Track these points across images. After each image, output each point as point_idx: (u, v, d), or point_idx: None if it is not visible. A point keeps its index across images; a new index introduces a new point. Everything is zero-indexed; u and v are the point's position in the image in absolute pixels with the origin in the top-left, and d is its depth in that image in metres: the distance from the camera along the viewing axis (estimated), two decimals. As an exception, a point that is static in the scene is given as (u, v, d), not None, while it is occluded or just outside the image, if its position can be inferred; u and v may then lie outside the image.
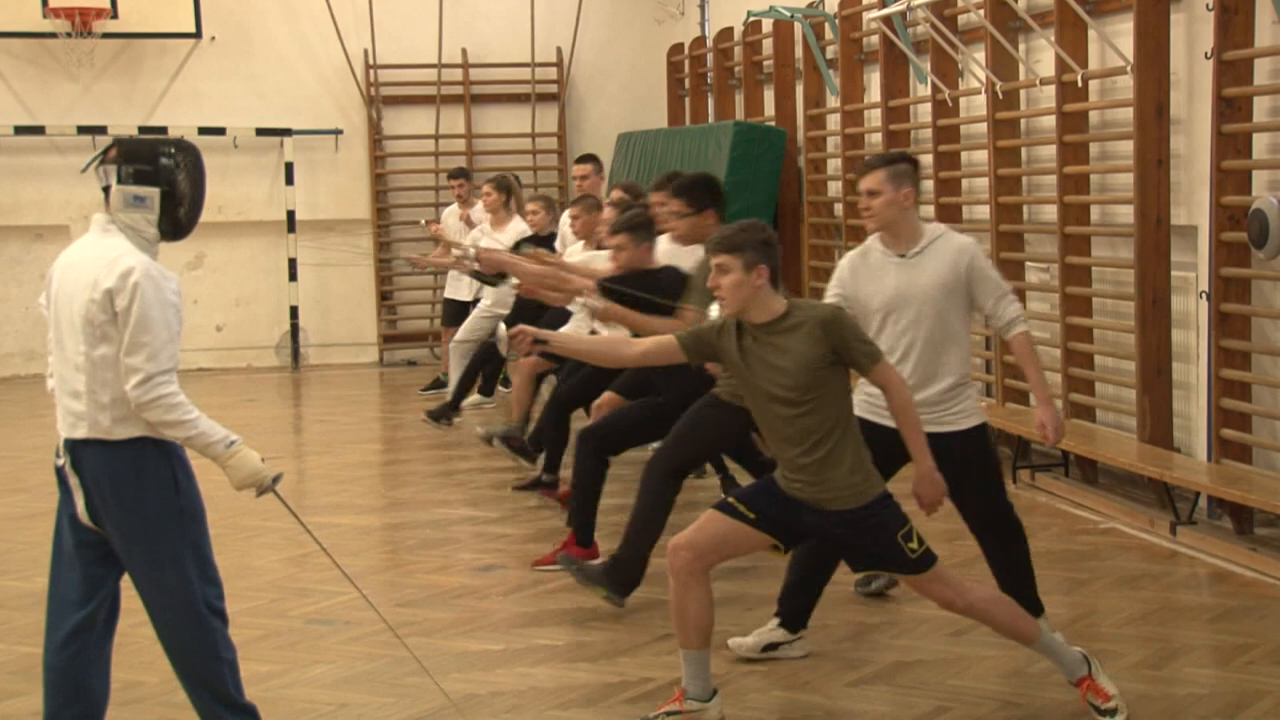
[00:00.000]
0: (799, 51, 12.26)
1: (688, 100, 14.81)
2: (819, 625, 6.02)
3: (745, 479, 7.01)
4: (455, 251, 10.07)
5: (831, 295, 5.66)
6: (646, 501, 6.33)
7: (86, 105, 14.55)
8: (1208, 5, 7.36)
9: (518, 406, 9.31)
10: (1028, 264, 9.43)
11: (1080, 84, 8.48)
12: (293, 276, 15.07)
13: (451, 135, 15.47)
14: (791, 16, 11.86)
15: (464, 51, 15.30)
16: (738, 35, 13.35)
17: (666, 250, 7.12)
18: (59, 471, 4.42)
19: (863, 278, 5.62)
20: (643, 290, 6.60)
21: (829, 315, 4.80)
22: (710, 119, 14.34)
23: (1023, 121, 9.39)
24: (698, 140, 12.70)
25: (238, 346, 14.99)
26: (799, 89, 12.31)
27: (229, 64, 14.85)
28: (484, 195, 11.31)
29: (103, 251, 4.29)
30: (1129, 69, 7.93)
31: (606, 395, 7.65)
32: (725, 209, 6.71)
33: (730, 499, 5.02)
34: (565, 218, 9.76)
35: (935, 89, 9.93)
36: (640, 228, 7.01)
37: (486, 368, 10.88)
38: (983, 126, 9.52)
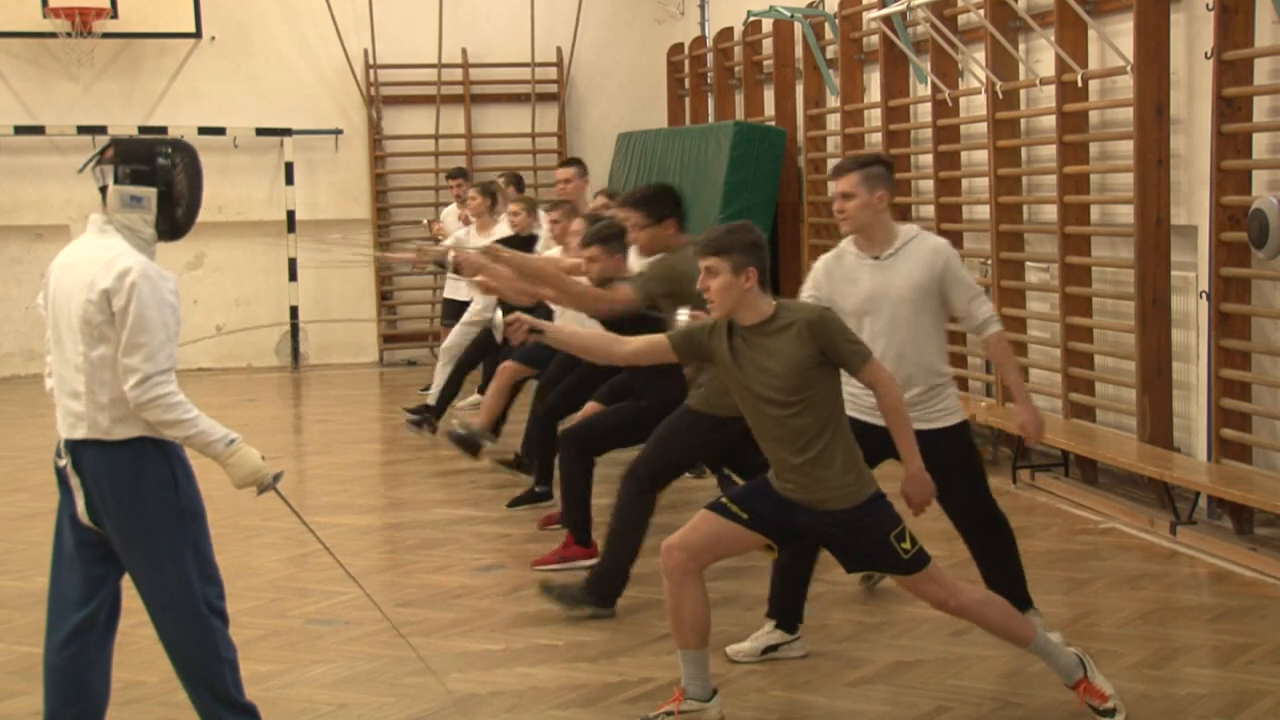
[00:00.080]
0: (799, 51, 12.26)
1: (688, 100, 14.82)
2: (819, 625, 6.03)
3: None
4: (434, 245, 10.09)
5: (806, 298, 5.66)
6: (623, 514, 6.34)
7: (86, 105, 14.56)
8: (1208, 5, 7.36)
9: (488, 413, 9.35)
10: (1028, 264, 9.43)
11: (1080, 84, 8.48)
12: (293, 276, 15.08)
13: (451, 135, 15.48)
14: (791, 16, 11.86)
15: (464, 51, 15.31)
16: (738, 35, 13.35)
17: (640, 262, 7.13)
18: (60, 472, 4.42)
19: (837, 279, 5.64)
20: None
21: (816, 316, 4.79)
22: (710, 119, 14.34)
23: (1023, 121, 9.39)
24: (698, 140, 12.71)
25: (238, 346, 14.98)
26: (799, 89, 12.31)
27: (229, 64, 14.86)
28: (469, 200, 11.29)
29: (100, 252, 4.29)
30: (1129, 69, 7.93)
31: (589, 405, 7.68)
32: (685, 217, 6.67)
33: (723, 499, 5.02)
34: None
35: (935, 89, 9.93)
36: (612, 239, 7.00)
37: (487, 361, 10.86)
38: (983, 126, 9.52)
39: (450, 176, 13.17)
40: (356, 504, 8.90)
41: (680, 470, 6.57)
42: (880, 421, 5.20)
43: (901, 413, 4.88)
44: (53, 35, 14.01)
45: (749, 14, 12.56)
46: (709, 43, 14.30)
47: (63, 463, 4.39)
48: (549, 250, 9.26)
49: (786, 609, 5.75)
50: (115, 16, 14.03)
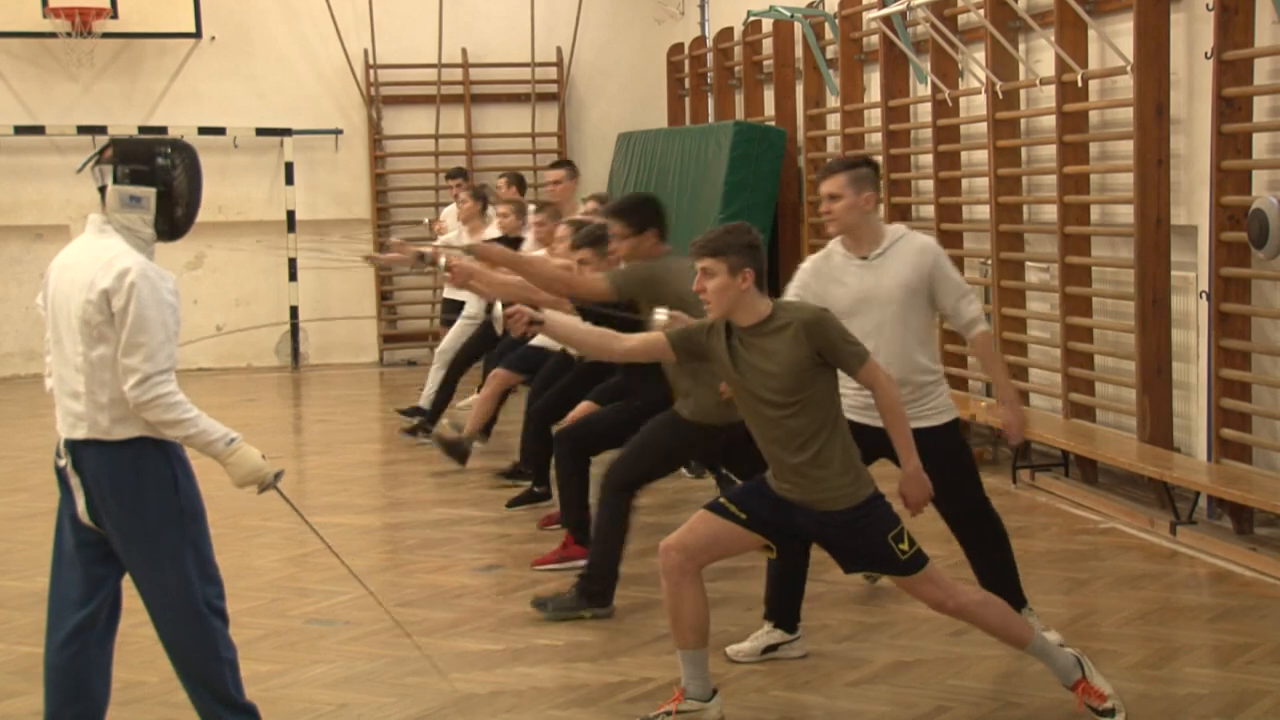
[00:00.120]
0: (799, 51, 12.26)
1: (688, 100, 14.81)
2: (819, 625, 6.03)
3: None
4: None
5: (791, 297, 5.66)
6: (603, 514, 6.36)
7: (86, 105, 14.56)
8: (1208, 5, 7.36)
9: (478, 419, 9.39)
10: (1028, 264, 9.43)
11: (1080, 84, 8.48)
12: (293, 276, 15.07)
13: (451, 135, 15.48)
14: (791, 16, 11.86)
15: (464, 51, 15.31)
16: (738, 35, 13.35)
17: None
18: (60, 472, 4.42)
19: (825, 279, 5.65)
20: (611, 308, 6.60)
21: (813, 317, 4.78)
22: (710, 119, 14.34)
23: (1023, 121, 9.39)
24: (698, 140, 12.71)
25: (238, 346, 14.98)
26: (799, 89, 12.31)
27: (229, 64, 14.86)
28: (460, 203, 11.27)
29: (99, 252, 4.29)
30: (1129, 69, 7.93)
31: (582, 405, 7.69)
32: (667, 227, 6.66)
33: (722, 499, 5.02)
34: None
35: (935, 89, 9.93)
36: (602, 241, 7.01)
37: (486, 360, 10.86)
38: (983, 126, 9.52)
39: (450, 176, 13.16)
40: (356, 504, 8.90)
41: (658, 476, 6.60)
42: (871, 421, 5.22)
43: (900, 412, 4.88)
44: (53, 35, 14.01)
45: (749, 14, 12.56)
46: (709, 43, 14.30)
47: (63, 463, 4.39)
48: (535, 252, 9.27)
49: (783, 610, 5.75)
50: (115, 16, 14.03)
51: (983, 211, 9.73)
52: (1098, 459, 8.33)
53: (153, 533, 4.33)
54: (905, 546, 4.81)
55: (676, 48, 15.02)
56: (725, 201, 11.76)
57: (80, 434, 4.32)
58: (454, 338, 10.80)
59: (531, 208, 9.96)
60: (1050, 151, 8.88)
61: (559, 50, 15.52)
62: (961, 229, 10.02)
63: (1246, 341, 7.42)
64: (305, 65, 15.10)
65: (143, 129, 14.26)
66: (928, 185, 10.32)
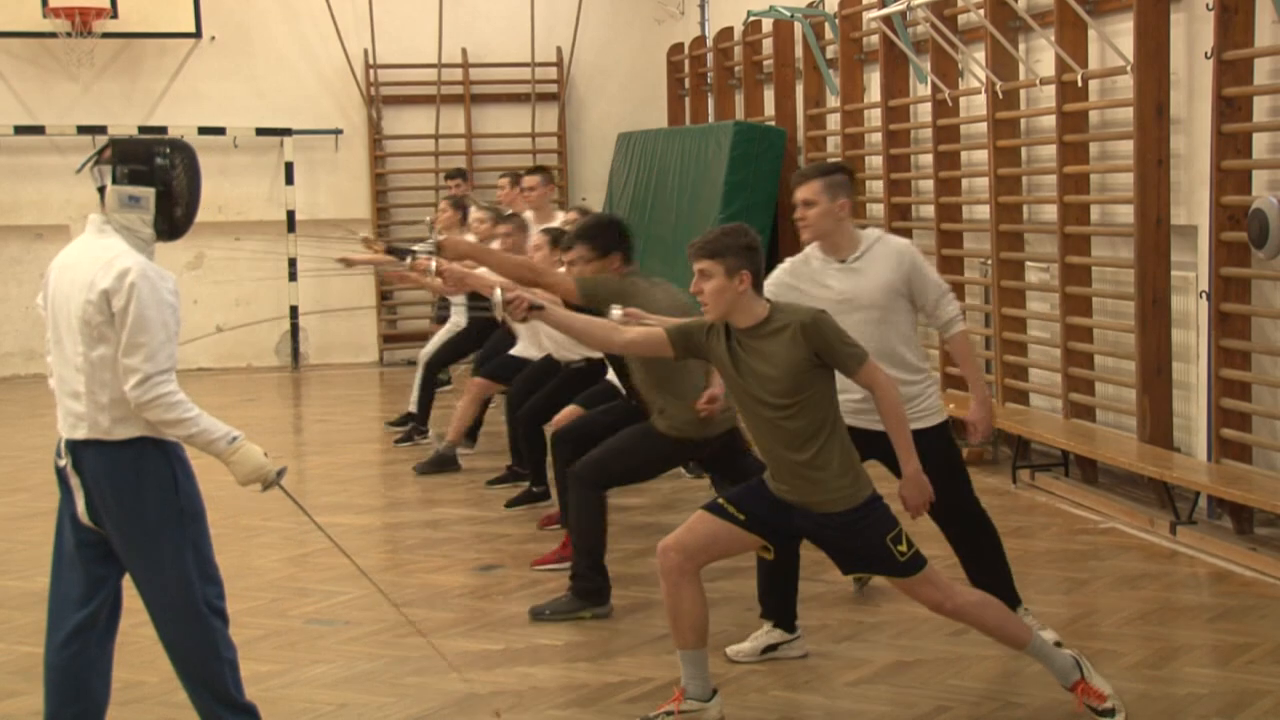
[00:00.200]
0: (799, 51, 12.26)
1: (688, 100, 14.81)
2: (819, 625, 6.03)
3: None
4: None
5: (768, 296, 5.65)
6: (578, 515, 6.36)
7: (86, 105, 14.56)
8: (1208, 5, 7.36)
9: (459, 425, 9.43)
10: (1028, 264, 9.43)
11: (1080, 84, 8.48)
12: (293, 276, 15.07)
13: (451, 135, 15.47)
14: (791, 16, 11.86)
15: (464, 51, 15.31)
16: (738, 35, 13.35)
17: None
18: (60, 472, 4.42)
19: (806, 282, 5.65)
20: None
21: (811, 319, 4.77)
22: (710, 119, 14.33)
23: (1023, 121, 9.39)
24: (698, 140, 12.71)
25: (238, 346, 14.97)
26: (799, 89, 12.31)
27: (229, 64, 14.85)
28: (440, 212, 11.23)
29: (99, 252, 4.28)
30: (1129, 69, 7.93)
31: (569, 409, 7.70)
32: (632, 250, 6.61)
33: (720, 500, 5.02)
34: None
35: (935, 89, 9.93)
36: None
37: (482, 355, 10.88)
38: (983, 126, 9.52)
39: (450, 176, 13.17)
40: (356, 504, 8.90)
41: (628, 483, 6.61)
42: (861, 425, 5.23)
43: (900, 414, 4.87)
44: (53, 35, 14.00)
45: (749, 14, 12.56)
46: (709, 43, 14.30)
47: (63, 463, 4.39)
48: None
49: (779, 609, 5.75)
50: (115, 16, 14.02)
51: (983, 211, 9.73)
52: (1098, 459, 8.33)
53: (153, 533, 4.33)
54: (904, 548, 4.81)
55: (676, 48, 15.02)
56: (725, 201, 11.76)
57: (81, 434, 4.32)
58: (436, 343, 10.86)
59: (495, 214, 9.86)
60: (1050, 151, 8.88)
61: (559, 50, 15.52)
62: (961, 229, 10.02)
63: (1246, 341, 7.42)
64: (305, 65, 15.09)
65: (143, 129, 14.25)
66: (928, 185, 10.32)
